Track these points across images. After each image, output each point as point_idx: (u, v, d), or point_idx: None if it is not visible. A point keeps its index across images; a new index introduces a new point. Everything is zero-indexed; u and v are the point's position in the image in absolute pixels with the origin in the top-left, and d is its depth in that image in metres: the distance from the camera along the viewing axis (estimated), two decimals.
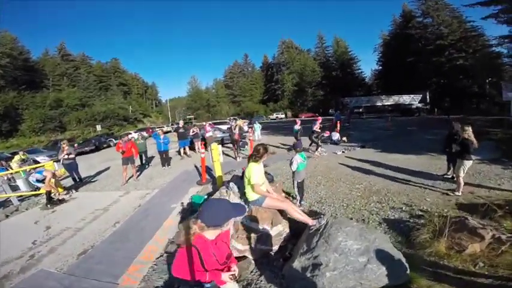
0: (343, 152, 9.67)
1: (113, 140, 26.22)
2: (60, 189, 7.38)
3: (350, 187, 5.74)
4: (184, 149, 11.43)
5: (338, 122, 13.32)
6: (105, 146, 22.49)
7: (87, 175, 9.80)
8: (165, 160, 9.76)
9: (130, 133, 28.98)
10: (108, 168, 11.08)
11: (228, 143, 12.49)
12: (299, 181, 4.70)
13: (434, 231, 3.22)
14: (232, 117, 31.67)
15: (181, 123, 12.06)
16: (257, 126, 13.52)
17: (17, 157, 10.85)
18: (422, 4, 40.02)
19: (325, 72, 55.23)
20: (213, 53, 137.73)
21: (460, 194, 4.69)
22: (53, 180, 6.89)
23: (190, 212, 5.00)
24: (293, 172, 4.70)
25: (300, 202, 4.80)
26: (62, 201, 6.92)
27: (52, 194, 6.83)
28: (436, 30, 37.90)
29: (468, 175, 4.75)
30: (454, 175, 5.08)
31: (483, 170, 6.13)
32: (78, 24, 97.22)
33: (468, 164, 4.65)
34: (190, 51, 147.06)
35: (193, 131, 11.83)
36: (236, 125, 9.99)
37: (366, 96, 38.28)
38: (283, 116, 52.55)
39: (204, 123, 17.24)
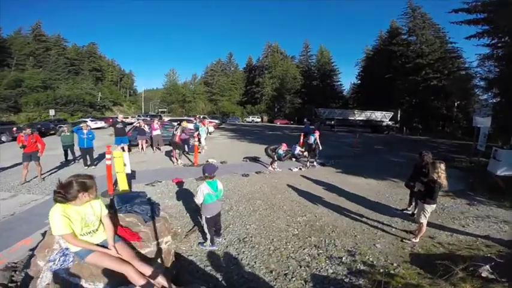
0: (300, 169, 8.56)
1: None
2: None
3: (290, 220, 4.60)
4: (122, 148, 9.73)
5: (303, 134, 12.23)
6: (52, 132, 19.58)
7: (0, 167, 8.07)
8: (90, 159, 8.35)
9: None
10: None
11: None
12: (208, 216, 3.43)
13: None
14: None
15: (120, 116, 10.32)
16: (202, 130, 10.99)
17: None
18: (410, 22, 40.41)
19: (306, 80, 55.18)
20: (196, 49, 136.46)
21: (417, 240, 3.92)
22: None
23: None
24: (200, 205, 3.48)
25: (211, 242, 3.54)
26: None
27: None
28: (418, 48, 38.36)
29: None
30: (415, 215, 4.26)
31: (447, 206, 5.54)
32: (59, 5, 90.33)
33: (431, 208, 3.79)
34: (173, 44, 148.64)
35: (139, 125, 10.20)
36: (179, 127, 8.51)
37: (341, 109, 38.08)
38: (259, 119, 51.56)
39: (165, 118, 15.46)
